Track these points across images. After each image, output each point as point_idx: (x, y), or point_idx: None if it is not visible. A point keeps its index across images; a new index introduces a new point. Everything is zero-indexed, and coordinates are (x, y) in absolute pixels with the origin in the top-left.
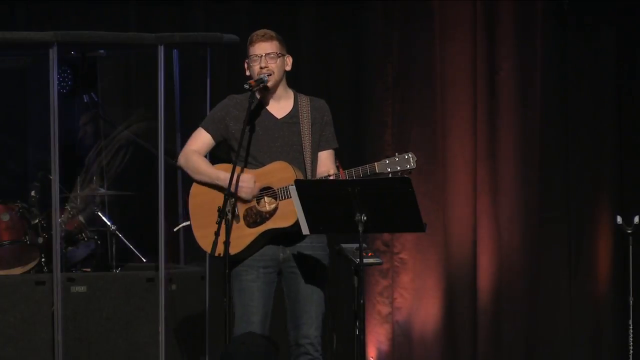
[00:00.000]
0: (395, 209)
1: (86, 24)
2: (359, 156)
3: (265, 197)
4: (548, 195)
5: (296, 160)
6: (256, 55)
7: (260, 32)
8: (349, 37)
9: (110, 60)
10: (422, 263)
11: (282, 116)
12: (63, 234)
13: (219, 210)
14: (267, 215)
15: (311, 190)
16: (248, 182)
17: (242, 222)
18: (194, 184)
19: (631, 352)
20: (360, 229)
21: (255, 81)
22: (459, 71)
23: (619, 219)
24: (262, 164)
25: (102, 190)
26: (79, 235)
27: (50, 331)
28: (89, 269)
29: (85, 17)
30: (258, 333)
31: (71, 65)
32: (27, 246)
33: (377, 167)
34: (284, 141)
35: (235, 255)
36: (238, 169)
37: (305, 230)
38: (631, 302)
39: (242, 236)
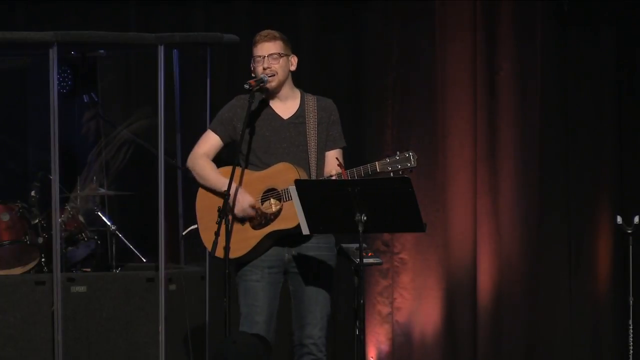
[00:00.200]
0: (395, 209)
1: (86, 24)
2: (359, 156)
3: (271, 199)
4: (548, 195)
5: (302, 161)
6: (259, 56)
7: (264, 32)
8: (349, 37)
9: (110, 60)
10: (422, 263)
11: (288, 116)
12: (63, 234)
13: (219, 211)
14: (272, 217)
15: (311, 190)
16: (243, 203)
17: (247, 224)
18: (201, 187)
19: (631, 352)
20: (360, 229)
21: (256, 81)
22: (459, 71)
23: (619, 219)
24: (268, 165)
25: (102, 190)
26: (79, 235)
27: (50, 331)
28: (89, 269)
29: (85, 17)
30: (261, 333)
31: (71, 65)
32: (27, 246)
33: (378, 166)
34: (290, 142)
35: (241, 257)
36: (239, 170)
37: (305, 230)
38: (631, 302)
39: (247, 238)
